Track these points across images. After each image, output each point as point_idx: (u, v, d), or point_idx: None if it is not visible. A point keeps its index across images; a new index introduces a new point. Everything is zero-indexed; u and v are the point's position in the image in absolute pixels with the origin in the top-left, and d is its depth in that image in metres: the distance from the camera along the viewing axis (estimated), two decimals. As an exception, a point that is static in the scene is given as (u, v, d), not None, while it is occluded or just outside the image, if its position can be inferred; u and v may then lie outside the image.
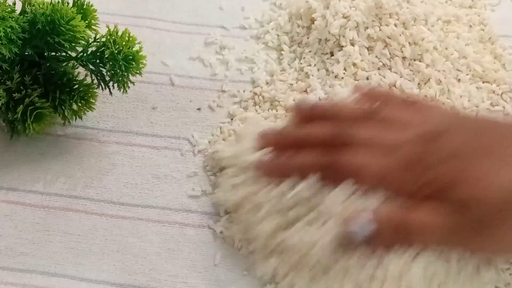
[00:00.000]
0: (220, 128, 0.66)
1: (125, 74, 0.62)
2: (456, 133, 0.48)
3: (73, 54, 0.62)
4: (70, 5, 0.62)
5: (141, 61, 0.62)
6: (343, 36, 0.68)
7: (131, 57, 0.61)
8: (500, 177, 0.46)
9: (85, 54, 0.62)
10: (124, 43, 0.61)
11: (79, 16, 0.60)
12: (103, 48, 0.61)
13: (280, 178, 0.51)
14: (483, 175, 0.46)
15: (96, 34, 0.62)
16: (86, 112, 0.64)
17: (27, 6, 0.61)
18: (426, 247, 0.48)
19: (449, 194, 0.46)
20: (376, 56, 0.67)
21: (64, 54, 0.62)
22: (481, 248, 0.48)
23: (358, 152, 0.49)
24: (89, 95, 0.63)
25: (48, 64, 0.62)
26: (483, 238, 0.46)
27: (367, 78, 0.66)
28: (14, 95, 0.60)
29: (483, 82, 0.67)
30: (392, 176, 0.48)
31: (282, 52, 0.71)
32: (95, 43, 0.62)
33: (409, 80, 0.66)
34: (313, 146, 0.51)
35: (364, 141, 0.49)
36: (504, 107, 0.66)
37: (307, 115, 0.54)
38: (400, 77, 0.66)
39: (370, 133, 0.50)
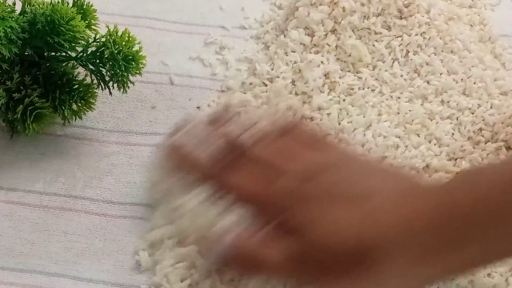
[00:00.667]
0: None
1: (125, 74, 0.62)
2: (332, 175, 0.49)
3: (73, 54, 0.62)
4: (70, 5, 0.62)
5: (140, 61, 0.62)
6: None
7: (130, 57, 0.61)
8: (347, 226, 0.46)
9: (85, 54, 0.62)
10: (124, 43, 0.61)
11: (79, 16, 0.60)
12: (102, 48, 0.61)
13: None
14: (336, 220, 0.47)
15: (96, 34, 0.62)
16: (86, 112, 0.64)
17: (27, 6, 0.61)
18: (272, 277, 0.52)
19: (305, 233, 0.47)
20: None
21: (64, 54, 0.62)
22: None
23: (243, 170, 0.51)
24: (89, 95, 0.63)
25: (48, 64, 0.62)
26: (327, 281, 0.47)
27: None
28: (14, 95, 0.60)
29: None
30: (263, 202, 0.49)
31: (283, 52, 0.71)
32: (95, 43, 0.62)
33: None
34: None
35: (254, 160, 0.51)
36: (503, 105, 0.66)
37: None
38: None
39: (263, 155, 0.52)
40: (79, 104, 0.63)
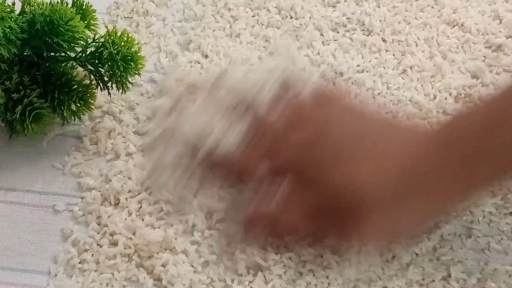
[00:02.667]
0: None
1: (124, 74, 0.62)
2: (336, 128, 0.53)
3: (72, 55, 0.62)
4: (69, 5, 0.62)
5: (139, 61, 0.62)
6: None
7: (129, 57, 0.61)
8: (360, 171, 0.51)
9: (83, 55, 0.62)
10: (122, 43, 0.61)
11: (78, 16, 0.60)
12: (101, 48, 0.61)
13: None
14: (349, 167, 0.51)
15: (95, 35, 0.62)
16: (85, 112, 0.64)
17: (26, 6, 0.61)
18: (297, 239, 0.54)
19: (321, 182, 0.51)
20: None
21: (63, 54, 0.62)
22: (352, 234, 0.53)
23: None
24: (88, 95, 0.63)
25: (47, 65, 0.62)
26: (349, 225, 0.51)
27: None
28: (13, 95, 0.60)
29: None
30: (277, 164, 0.53)
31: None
32: (94, 44, 0.62)
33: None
34: None
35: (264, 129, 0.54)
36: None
37: None
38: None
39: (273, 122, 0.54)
40: (78, 105, 0.63)
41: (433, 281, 0.55)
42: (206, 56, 0.69)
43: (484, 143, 0.49)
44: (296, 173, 0.52)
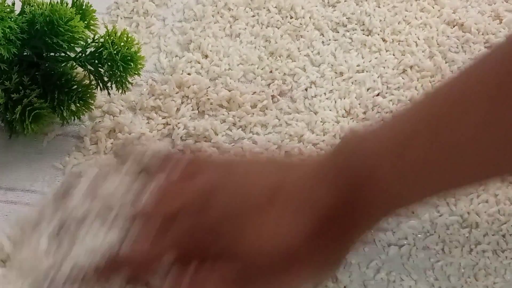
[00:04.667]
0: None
1: (123, 74, 0.62)
2: (223, 191, 0.48)
3: (72, 55, 0.62)
4: (69, 5, 0.62)
5: (139, 61, 0.62)
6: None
7: (129, 57, 0.61)
8: (270, 231, 0.46)
9: (83, 55, 0.62)
10: (122, 43, 0.61)
11: (78, 16, 0.60)
12: (101, 48, 0.61)
13: None
14: (255, 230, 0.46)
15: (94, 35, 0.62)
16: (84, 112, 0.64)
17: (26, 6, 0.61)
18: None
19: (233, 255, 0.46)
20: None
21: (62, 54, 0.62)
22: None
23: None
24: (88, 95, 0.63)
25: (46, 65, 0.62)
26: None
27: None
28: (12, 95, 0.60)
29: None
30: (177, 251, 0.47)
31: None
32: (93, 44, 0.62)
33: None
34: None
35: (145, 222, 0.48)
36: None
37: None
38: None
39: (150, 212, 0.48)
40: (78, 105, 0.63)
41: None
42: (206, 56, 0.69)
43: (388, 168, 0.44)
44: (202, 258, 0.46)
